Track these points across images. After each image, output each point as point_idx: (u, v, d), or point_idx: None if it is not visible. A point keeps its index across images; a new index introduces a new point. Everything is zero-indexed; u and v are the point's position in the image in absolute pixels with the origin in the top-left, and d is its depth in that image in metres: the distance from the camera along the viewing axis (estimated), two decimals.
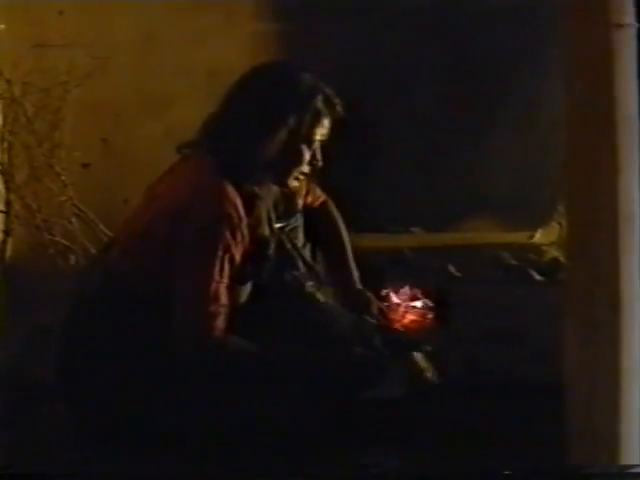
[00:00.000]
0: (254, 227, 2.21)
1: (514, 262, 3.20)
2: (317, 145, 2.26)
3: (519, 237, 3.28)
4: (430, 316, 2.92)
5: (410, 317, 2.92)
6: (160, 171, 2.29)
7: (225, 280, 2.11)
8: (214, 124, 2.23)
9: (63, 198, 2.98)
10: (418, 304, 2.94)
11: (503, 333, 2.78)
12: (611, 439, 1.85)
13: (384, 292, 2.97)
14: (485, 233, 3.25)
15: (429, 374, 2.34)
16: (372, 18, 3.07)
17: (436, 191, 3.25)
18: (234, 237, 2.11)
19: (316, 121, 2.22)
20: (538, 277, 3.13)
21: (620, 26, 1.73)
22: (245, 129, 2.19)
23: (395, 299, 2.95)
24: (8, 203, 3.01)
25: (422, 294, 2.95)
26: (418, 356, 2.36)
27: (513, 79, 3.15)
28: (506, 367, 2.60)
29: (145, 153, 3.01)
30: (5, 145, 2.99)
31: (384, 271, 3.10)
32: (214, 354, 2.10)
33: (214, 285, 2.08)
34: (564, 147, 2.06)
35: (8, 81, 2.92)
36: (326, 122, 2.25)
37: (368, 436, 2.21)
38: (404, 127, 3.19)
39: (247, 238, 2.15)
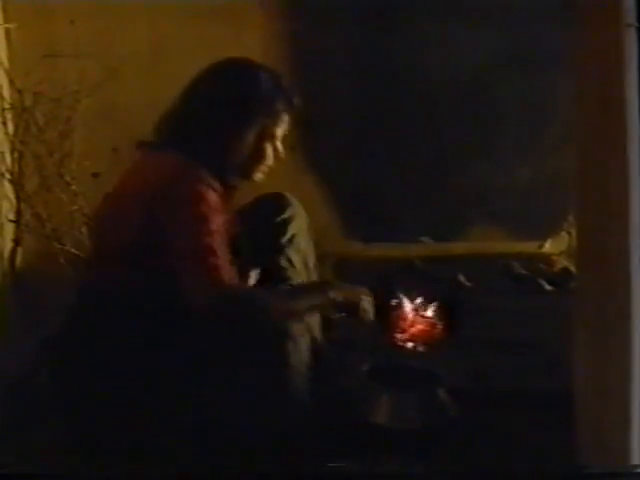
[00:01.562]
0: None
1: (524, 272, 3.19)
2: (279, 139, 2.33)
3: (529, 247, 3.27)
4: (440, 326, 2.93)
5: (419, 326, 2.93)
6: None
7: (217, 239, 2.09)
8: (177, 122, 2.27)
9: (73, 207, 2.98)
10: (428, 313, 2.95)
11: (513, 342, 2.77)
12: (621, 447, 1.84)
13: (394, 302, 2.98)
14: (495, 243, 3.25)
15: (449, 410, 2.33)
16: (381, 23, 3.08)
17: (445, 201, 3.24)
18: (211, 206, 2.12)
19: (278, 120, 2.30)
20: (548, 287, 3.12)
21: (631, 26, 1.73)
22: (211, 129, 2.23)
23: (405, 308, 2.97)
24: (18, 212, 3.02)
25: (432, 303, 2.96)
26: (439, 391, 2.34)
27: (524, 87, 3.15)
28: (517, 376, 2.60)
29: None
30: (16, 155, 3.00)
31: (394, 281, 3.09)
32: (227, 304, 2.06)
33: (207, 239, 2.07)
34: (574, 156, 2.06)
35: (19, 91, 2.93)
36: (286, 119, 2.32)
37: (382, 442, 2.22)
38: (415, 136, 3.19)
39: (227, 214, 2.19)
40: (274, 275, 2.47)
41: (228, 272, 2.07)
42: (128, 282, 2.13)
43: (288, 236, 2.51)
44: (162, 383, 2.09)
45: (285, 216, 2.52)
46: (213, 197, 2.13)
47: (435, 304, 2.94)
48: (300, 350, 2.17)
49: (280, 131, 2.32)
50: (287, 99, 2.31)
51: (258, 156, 2.29)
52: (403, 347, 2.89)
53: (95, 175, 2.98)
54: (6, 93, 2.98)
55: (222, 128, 2.23)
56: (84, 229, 2.99)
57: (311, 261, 2.58)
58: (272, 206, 2.53)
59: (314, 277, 2.59)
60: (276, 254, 2.51)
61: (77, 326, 2.19)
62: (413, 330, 2.92)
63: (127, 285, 2.12)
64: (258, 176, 2.33)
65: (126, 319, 2.10)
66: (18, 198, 3.01)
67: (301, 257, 2.52)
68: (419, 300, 2.96)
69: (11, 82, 2.96)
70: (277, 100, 2.29)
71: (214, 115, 2.23)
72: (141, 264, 2.12)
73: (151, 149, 2.29)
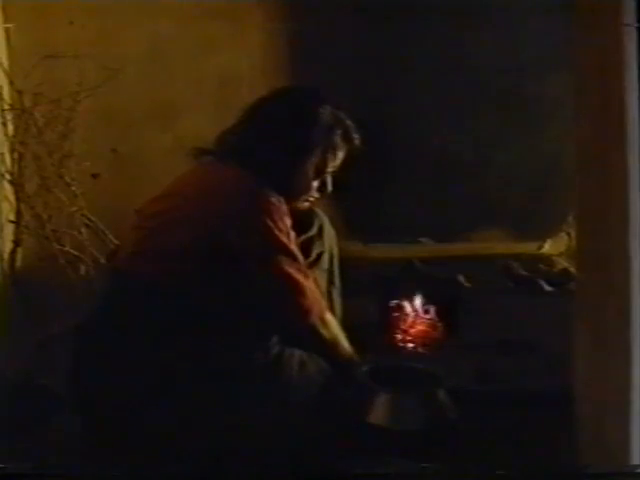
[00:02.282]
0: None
1: (524, 272, 3.19)
2: (329, 174, 2.34)
3: (528, 247, 3.27)
4: (440, 327, 2.93)
5: (419, 327, 2.93)
6: (170, 180, 2.30)
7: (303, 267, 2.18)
8: (241, 140, 2.28)
9: (73, 208, 2.98)
10: (428, 314, 2.94)
11: (513, 343, 2.77)
12: (621, 447, 1.84)
13: (394, 303, 2.98)
14: (494, 243, 3.25)
15: (449, 411, 2.32)
16: (381, 24, 3.08)
17: (445, 202, 3.24)
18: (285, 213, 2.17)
19: (332, 155, 2.31)
20: (548, 287, 3.12)
21: (631, 26, 1.73)
22: (274, 155, 2.24)
23: (405, 309, 2.96)
24: (18, 213, 3.02)
25: (432, 304, 2.96)
26: (440, 392, 2.34)
27: (523, 89, 3.15)
28: (516, 377, 2.60)
29: (155, 163, 3.02)
30: (15, 155, 3.00)
31: (394, 282, 3.09)
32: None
33: (285, 242, 2.14)
34: (573, 157, 2.06)
35: (19, 92, 2.94)
36: (341, 154, 2.33)
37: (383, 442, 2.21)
38: (415, 137, 3.19)
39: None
40: None
41: (308, 283, 2.16)
42: (177, 278, 2.11)
43: (313, 257, 2.44)
44: (177, 383, 2.07)
45: (310, 234, 2.45)
46: (283, 207, 2.16)
47: (435, 305, 2.95)
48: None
49: (332, 166, 2.33)
50: (346, 134, 2.32)
51: (304, 187, 2.31)
52: (403, 348, 2.90)
53: (95, 176, 2.98)
54: (6, 94, 2.98)
55: (283, 156, 2.24)
56: (84, 230, 3.00)
57: (336, 267, 2.53)
58: (297, 223, 2.44)
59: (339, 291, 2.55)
60: None
61: (110, 318, 2.15)
62: (413, 331, 2.92)
63: (176, 281, 2.11)
64: (304, 205, 2.35)
65: (168, 312, 2.09)
66: (18, 199, 3.01)
67: (326, 275, 2.46)
68: (419, 301, 2.96)
69: (11, 83, 2.96)
70: (335, 134, 2.30)
71: (276, 141, 2.24)
72: (193, 262, 2.11)
73: (213, 158, 2.30)
